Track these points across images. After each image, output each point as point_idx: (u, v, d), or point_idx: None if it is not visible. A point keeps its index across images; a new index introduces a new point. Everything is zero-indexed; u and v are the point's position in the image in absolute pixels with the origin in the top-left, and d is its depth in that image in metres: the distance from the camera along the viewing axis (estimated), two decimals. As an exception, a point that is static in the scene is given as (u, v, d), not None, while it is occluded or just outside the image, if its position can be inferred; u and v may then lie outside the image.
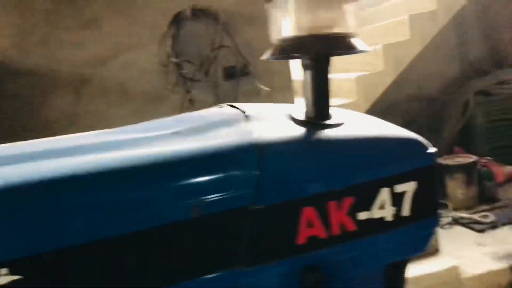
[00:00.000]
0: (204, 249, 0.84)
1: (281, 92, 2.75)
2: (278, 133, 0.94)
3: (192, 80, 2.51)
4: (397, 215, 0.94)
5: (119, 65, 2.56)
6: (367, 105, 4.15)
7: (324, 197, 0.89)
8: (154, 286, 0.80)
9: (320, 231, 0.89)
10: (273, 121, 1.00)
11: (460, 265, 3.12)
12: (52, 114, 2.59)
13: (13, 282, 0.69)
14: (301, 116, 1.01)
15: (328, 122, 0.99)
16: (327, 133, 0.96)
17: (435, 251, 3.27)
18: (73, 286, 0.76)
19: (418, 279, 2.99)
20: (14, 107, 2.51)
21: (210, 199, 0.83)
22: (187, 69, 2.53)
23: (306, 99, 1.01)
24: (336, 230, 0.90)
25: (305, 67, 1.00)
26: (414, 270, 3.07)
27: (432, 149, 0.99)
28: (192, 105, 2.56)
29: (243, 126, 0.95)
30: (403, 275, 1.02)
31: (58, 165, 0.82)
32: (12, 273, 0.69)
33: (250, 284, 0.85)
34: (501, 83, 4.84)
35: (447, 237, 3.69)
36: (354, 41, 0.98)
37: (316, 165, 0.91)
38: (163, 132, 0.97)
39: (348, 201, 0.90)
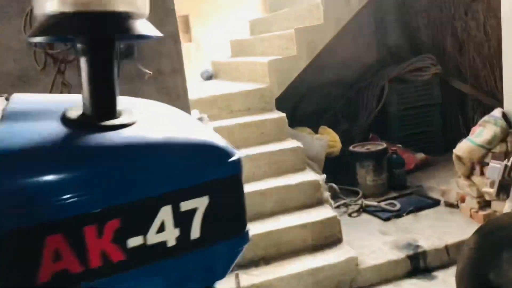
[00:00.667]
0: None
1: (171, 76, 2.53)
2: (24, 138, 0.73)
3: (64, 61, 2.24)
4: (182, 238, 0.77)
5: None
6: (280, 90, 4.01)
7: (78, 221, 0.70)
8: None
9: (71, 265, 0.70)
10: (33, 121, 0.79)
11: (359, 255, 3.08)
12: None
13: None
14: (76, 115, 0.81)
15: (106, 122, 0.80)
16: (97, 137, 0.77)
17: (337, 241, 3.22)
18: None
19: (316, 270, 2.92)
20: None
21: None
22: (59, 48, 2.25)
23: (83, 92, 0.81)
24: (95, 261, 0.71)
25: (79, 52, 0.79)
26: (312, 261, 3.00)
27: (236, 157, 0.83)
28: (67, 89, 2.29)
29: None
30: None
31: None
32: None
33: None
34: (416, 70, 4.87)
35: (353, 225, 3.67)
36: (140, 23, 0.79)
37: (69, 182, 0.71)
38: None
39: (112, 225, 0.72)
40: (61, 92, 2.29)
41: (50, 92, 2.22)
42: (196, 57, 5.34)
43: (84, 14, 0.75)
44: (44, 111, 0.83)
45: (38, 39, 0.84)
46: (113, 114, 0.82)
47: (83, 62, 0.80)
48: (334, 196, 3.86)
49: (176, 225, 0.76)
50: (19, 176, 0.68)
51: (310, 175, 3.44)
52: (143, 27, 0.79)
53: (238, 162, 0.82)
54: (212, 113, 3.47)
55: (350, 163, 4.31)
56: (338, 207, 3.92)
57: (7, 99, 0.90)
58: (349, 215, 3.88)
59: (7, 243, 0.67)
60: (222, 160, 0.81)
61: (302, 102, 4.93)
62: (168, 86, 2.57)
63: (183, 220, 0.77)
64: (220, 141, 0.83)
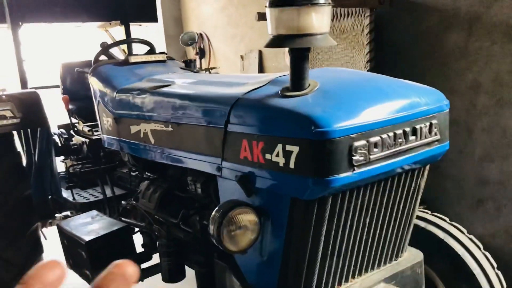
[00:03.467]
0: (210, 140, 1.70)
1: None
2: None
3: None
4: (285, 164, 1.38)
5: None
6: None
7: (251, 137, 1.49)
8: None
9: (249, 155, 1.51)
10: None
11: None
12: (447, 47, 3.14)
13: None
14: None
15: (295, 93, 1.46)
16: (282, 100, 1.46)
17: None
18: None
19: None
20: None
21: (212, 118, 1.67)
22: None
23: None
24: (255, 158, 1.49)
25: (290, 54, 1.48)
26: None
27: (321, 129, 1.29)
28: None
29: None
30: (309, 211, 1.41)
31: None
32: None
33: (220, 166, 1.64)
34: None
35: None
36: (323, 38, 1.38)
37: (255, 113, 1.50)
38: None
39: (261, 144, 1.45)
40: None
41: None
42: None
43: (292, 36, 1.43)
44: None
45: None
46: (303, 88, 1.45)
47: (291, 59, 1.48)
48: None
49: (284, 156, 1.38)
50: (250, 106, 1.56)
51: None
52: (325, 41, 1.38)
53: (327, 131, 1.29)
54: None
55: None
56: None
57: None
58: None
59: (232, 136, 1.58)
60: (310, 127, 1.31)
61: None
62: None
63: (287, 154, 1.38)
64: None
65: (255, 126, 1.50)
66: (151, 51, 3.07)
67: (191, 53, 6.42)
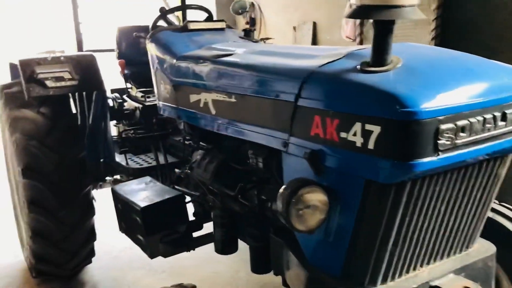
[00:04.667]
0: (277, 116, 1.63)
1: None
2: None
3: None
4: (364, 144, 1.30)
5: None
6: None
7: (325, 113, 1.41)
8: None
9: (321, 132, 1.44)
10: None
11: None
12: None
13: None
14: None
15: (377, 68, 1.36)
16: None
17: None
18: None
19: None
20: None
21: (281, 92, 1.60)
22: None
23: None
24: (328, 136, 1.41)
25: (375, 26, 1.38)
26: None
27: (408, 109, 1.19)
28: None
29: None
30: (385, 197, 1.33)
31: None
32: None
33: (287, 142, 1.58)
34: None
35: None
36: (411, 10, 1.27)
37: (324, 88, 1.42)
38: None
39: (336, 121, 1.38)
40: None
41: None
42: None
43: (378, 6, 1.32)
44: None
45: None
46: (385, 63, 1.35)
47: (375, 32, 1.38)
48: None
49: (362, 135, 1.30)
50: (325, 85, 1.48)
51: None
52: (414, 13, 1.27)
53: (409, 113, 1.20)
54: None
55: None
56: None
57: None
58: None
59: (301, 110, 1.51)
60: (394, 107, 1.22)
61: None
62: None
63: (366, 134, 1.29)
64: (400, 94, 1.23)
65: (330, 101, 1.42)
66: (210, 18, 3.01)
67: (241, 22, 6.32)
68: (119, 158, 3.27)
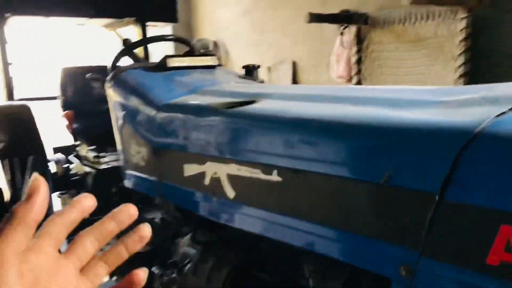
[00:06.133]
0: (383, 216, 0.87)
1: None
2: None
3: None
4: None
5: None
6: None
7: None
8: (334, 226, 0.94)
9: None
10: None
11: None
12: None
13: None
14: None
15: None
16: None
17: None
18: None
19: None
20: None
21: (401, 172, 0.84)
22: None
23: None
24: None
25: None
26: None
27: None
28: None
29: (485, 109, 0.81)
30: None
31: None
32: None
33: (413, 267, 0.81)
34: None
35: None
36: None
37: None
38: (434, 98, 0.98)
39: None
40: None
41: None
42: None
43: None
44: None
45: None
46: None
47: None
48: None
49: None
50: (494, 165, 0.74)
51: None
52: None
53: None
54: None
55: None
56: None
57: None
58: None
59: (465, 215, 0.75)
60: None
61: None
62: None
63: None
64: None
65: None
66: (191, 52, 2.25)
67: (204, 63, 5.61)
68: (66, 246, 2.36)
